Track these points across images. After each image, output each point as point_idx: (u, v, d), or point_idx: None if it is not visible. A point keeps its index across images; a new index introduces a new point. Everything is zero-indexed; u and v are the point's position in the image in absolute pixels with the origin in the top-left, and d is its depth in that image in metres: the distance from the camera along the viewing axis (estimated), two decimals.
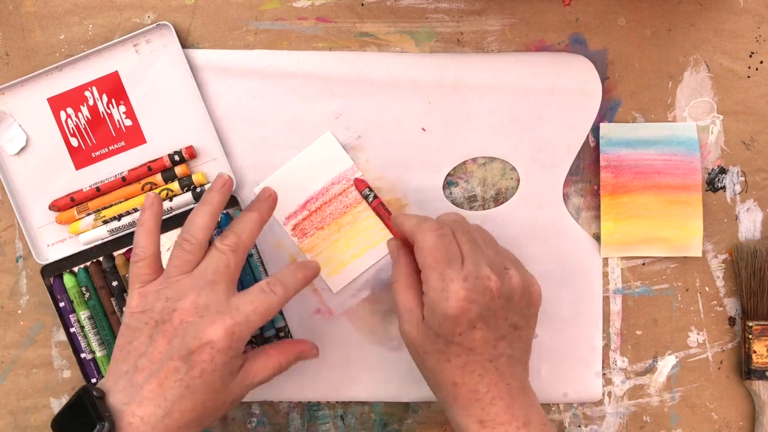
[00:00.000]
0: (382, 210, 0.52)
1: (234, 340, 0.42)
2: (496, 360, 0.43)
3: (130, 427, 0.41)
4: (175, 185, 0.52)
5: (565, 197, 0.53)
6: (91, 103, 0.52)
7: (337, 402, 0.54)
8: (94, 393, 0.43)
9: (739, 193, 0.53)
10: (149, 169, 0.52)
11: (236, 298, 0.44)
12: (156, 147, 0.53)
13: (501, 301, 0.43)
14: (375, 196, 0.52)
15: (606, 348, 0.53)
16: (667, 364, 0.53)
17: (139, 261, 0.45)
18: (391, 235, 0.51)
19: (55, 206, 0.53)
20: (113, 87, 0.52)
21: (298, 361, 0.49)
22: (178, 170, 0.52)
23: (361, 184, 0.52)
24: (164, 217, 0.52)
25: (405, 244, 0.47)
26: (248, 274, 0.53)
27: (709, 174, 0.53)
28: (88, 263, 0.53)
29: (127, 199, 0.53)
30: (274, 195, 0.48)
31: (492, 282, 0.42)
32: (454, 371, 0.43)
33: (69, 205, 0.53)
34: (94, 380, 0.53)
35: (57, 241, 0.53)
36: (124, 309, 0.45)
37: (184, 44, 0.52)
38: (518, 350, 0.44)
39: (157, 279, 0.45)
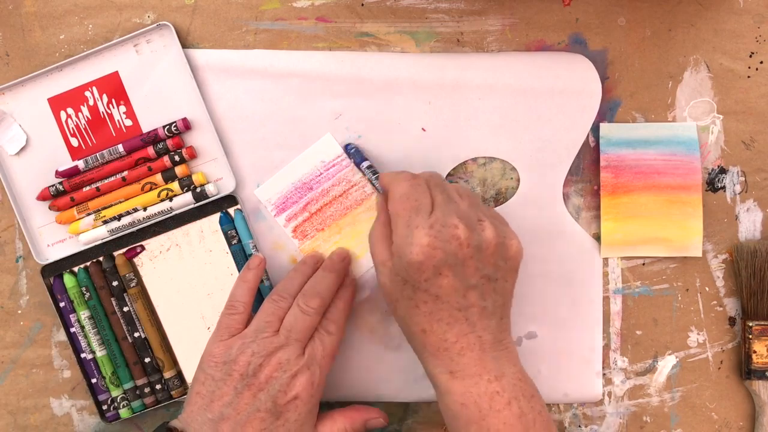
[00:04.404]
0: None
1: (314, 388, 0.46)
2: (466, 310, 0.43)
3: None
4: (175, 185, 0.52)
5: (565, 197, 0.53)
6: (91, 103, 0.52)
7: (337, 402, 0.54)
8: None
9: (739, 193, 0.53)
10: (149, 169, 0.52)
11: (308, 348, 0.47)
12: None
13: (470, 250, 0.43)
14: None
15: (606, 348, 0.53)
16: (667, 364, 0.53)
17: (235, 314, 0.48)
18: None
19: (55, 206, 0.53)
20: (113, 87, 0.52)
21: (365, 429, 0.50)
22: (179, 170, 0.52)
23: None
24: (164, 217, 0.53)
25: (387, 200, 0.48)
26: None
27: (709, 174, 0.53)
28: (88, 263, 0.53)
29: (127, 199, 0.53)
30: (349, 257, 0.52)
31: (459, 230, 0.43)
32: (421, 318, 0.43)
33: (69, 205, 0.53)
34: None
35: (57, 241, 0.53)
36: (202, 356, 0.47)
37: (184, 44, 0.52)
38: (491, 302, 0.44)
39: (241, 333, 0.47)
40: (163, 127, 0.52)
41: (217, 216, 0.53)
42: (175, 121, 0.52)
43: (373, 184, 0.51)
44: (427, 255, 0.42)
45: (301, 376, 0.45)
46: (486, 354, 0.43)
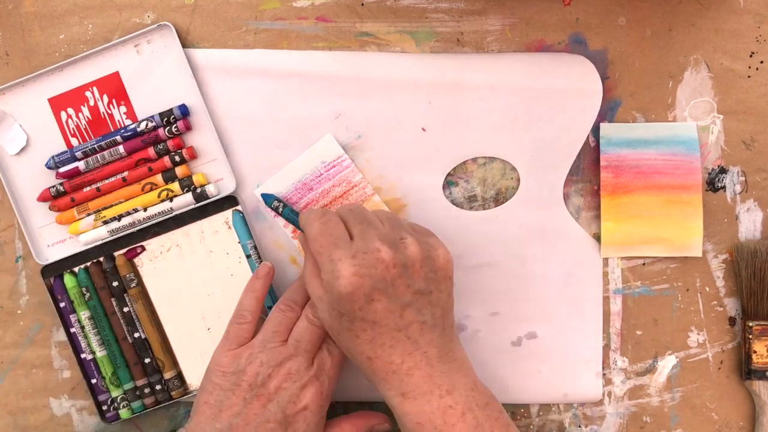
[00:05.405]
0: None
1: (323, 399, 0.46)
2: (405, 329, 0.43)
3: None
4: (175, 186, 0.52)
5: (565, 197, 0.53)
6: (91, 103, 0.52)
7: (337, 402, 0.54)
8: None
9: (739, 193, 0.53)
10: (150, 169, 0.52)
11: (317, 359, 0.47)
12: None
13: (396, 270, 0.43)
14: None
15: (606, 348, 0.53)
16: (667, 364, 0.53)
17: (243, 324, 0.48)
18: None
19: (55, 206, 0.53)
20: (114, 87, 0.52)
21: None
22: (179, 171, 0.52)
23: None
24: (164, 218, 0.52)
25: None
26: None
27: (709, 174, 0.53)
28: (88, 263, 0.53)
29: (127, 200, 0.53)
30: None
31: (383, 253, 0.43)
32: (365, 346, 0.43)
33: (69, 205, 0.53)
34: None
35: (57, 241, 0.53)
36: (210, 366, 0.47)
37: (184, 44, 0.52)
38: (430, 316, 0.44)
39: (250, 343, 0.47)
40: (164, 127, 0.52)
41: (217, 216, 0.53)
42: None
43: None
44: (355, 284, 0.42)
45: (310, 386, 0.46)
46: (434, 369, 0.43)
